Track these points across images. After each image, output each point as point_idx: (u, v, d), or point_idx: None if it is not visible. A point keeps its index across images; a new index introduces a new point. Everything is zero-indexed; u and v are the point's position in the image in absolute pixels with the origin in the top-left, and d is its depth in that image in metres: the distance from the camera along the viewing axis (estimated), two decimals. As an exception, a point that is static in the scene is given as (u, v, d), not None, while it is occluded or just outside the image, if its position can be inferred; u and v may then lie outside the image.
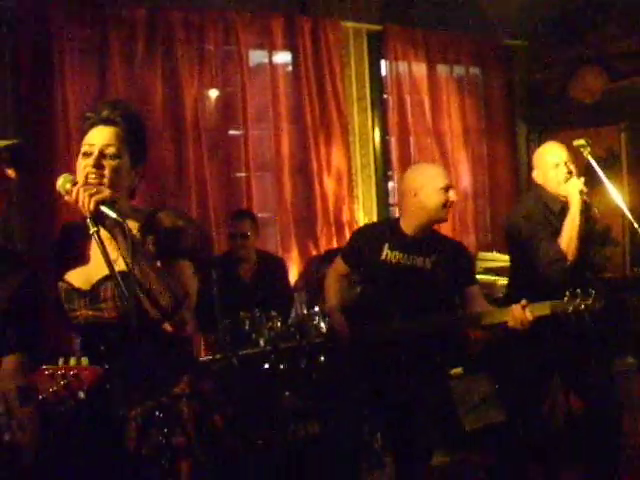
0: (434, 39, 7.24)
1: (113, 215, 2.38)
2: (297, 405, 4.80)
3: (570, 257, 4.11)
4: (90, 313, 2.58)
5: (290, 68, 6.49)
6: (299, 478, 4.55)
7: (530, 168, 4.54)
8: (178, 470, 2.56)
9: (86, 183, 2.49)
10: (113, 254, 2.42)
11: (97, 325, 2.58)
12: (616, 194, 4.18)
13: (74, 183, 2.47)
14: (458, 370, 5.65)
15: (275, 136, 6.32)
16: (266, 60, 6.34)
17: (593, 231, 4.32)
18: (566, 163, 4.25)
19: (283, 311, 5.46)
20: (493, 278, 6.36)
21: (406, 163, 6.97)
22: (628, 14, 6.86)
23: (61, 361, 2.30)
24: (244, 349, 4.95)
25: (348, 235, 6.33)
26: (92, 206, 2.39)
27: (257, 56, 6.38)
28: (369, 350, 3.96)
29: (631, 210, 4.21)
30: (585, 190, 4.12)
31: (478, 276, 6.11)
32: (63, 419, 2.44)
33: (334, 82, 6.54)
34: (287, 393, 4.87)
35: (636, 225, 4.10)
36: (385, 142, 7.06)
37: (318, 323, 5.18)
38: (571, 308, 3.78)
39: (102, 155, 2.55)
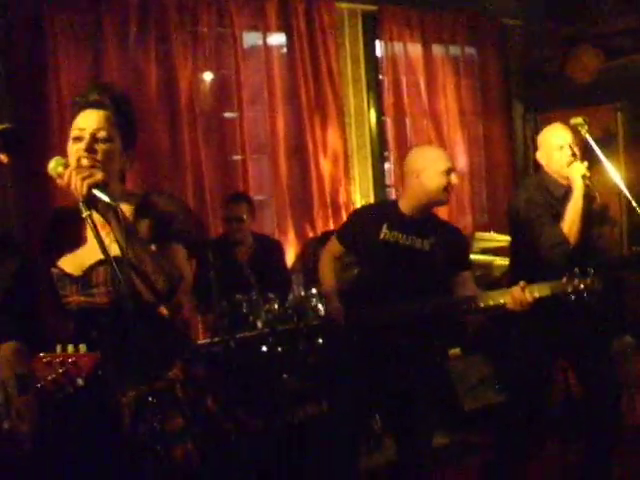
0: (429, 19, 7.20)
1: (106, 199, 2.37)
2: (296, 387, 4.79)
3: (572, 241, 4.10)
4: (82, 299, 2.57)
5: (285, 50, 6.45)
6: (298, 460, 4.55)
7: (526, 148, 4.53)
8: (173, 455, 2.55)
9: (78, 167, 2.46)
10: (106, 238, 2.40)
11: (89, 311, 2.56)
12: (614, 173, 4.16)
13: (66, 166, 2.44)
14: (456, 351, 5.67)
15: (270, 118, 6.29)
16: (260, 42, 6.30)
17: (592, 211, 4.30)
18: (570, 146, 4.23)
19: (280, 293, 5.45)
20: (490, 258, 6.37)
21: (402, 144, 6.97)
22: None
23: (59, 348, 2.29)
24: (242, 332, 4.94)
25: (345, 216, 6.32)
26: (85, 189, 2.37)
27: (251, 38, 6.34)
28: (366, 332, 3.95)
29: (628, 189, 4.19)
30: (588, 174, 4.11)
31: (475, 256, 6.15)
32: (62, 406, 2.43)
33: (329, 63, 6.51)
34: (285, 375, 4.87)
35: (634, 204, 4.09)
36: (381, 123, 7.04)
37: (316, 305, 5.18)
38: (570, 289, 3.78)
39: (94, 139, 2.53)
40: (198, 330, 5.63)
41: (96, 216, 2.39)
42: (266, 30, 6.27)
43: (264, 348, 4.89)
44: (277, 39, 6.46)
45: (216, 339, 4.97)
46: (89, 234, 2.43)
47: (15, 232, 4.86)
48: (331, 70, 6.52)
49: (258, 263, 5.62)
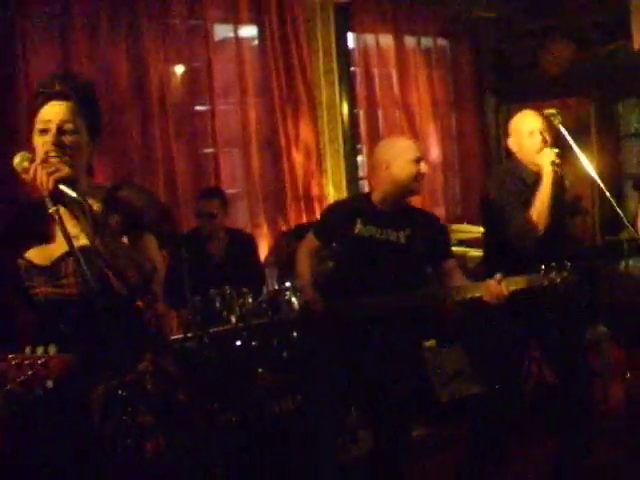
0: (401, 11, 7.18)
1: (73, 194, 2.32)
2: (271, 382, 4.76)
3: (541, 227, 4.10)
4: (50, 290, 2.52)
5: (256, 42, 6.41)
6: (274, 455, 4.52)
7: (499, 139, 4.53)
8: (144, 450, 2.52)
9: (46, 161, 2.40)
10: (74, 231, 2.36)
11: (58, 302, 2.52)
12: (586, 163, 4.17)
13: (31, 161, 2.39)
14: (432, 343, 5.66)
15: (242, 111, 6.25)
16: (232, 34, 6.25)
17: (564, 201, 4.31)
18: (541, 132, 4.23)
19: (254, 287, 5.41)
20: (464, 250, 6.37)
21: (375, 136, 6.95)
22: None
23: (28, 350, 2.24)
24: (215, 326, 4.91)
25: (317, 210, 6.30)
26: (51, 185, 2.32)
27: (223, 30, 6.29)
28: (343, 326, 3.93)
29: (601, 180, 4.20)
30: (557, 161, 4.11)
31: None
32: (31, 408, 2.39)
33: (301, 56, 6.48)
34: (260, 370, 4.84)
35: (608, 194, 4.09)
36: (353, 115, 7.00)
37: (290, 299, 5.15)
38: (547, 282, 3.79)
39: (60, 131, 2.47)
40: (172, 325, 5.60)
41: (64, 209, 2.35)
42: (237, 22, 6.22)
43: (238, 343, 4.86)
44: (249, 31, 6.42)
45: (189, 334, 4.93)
46: (58, 227, 2.38)
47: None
48: (303, 63, 6.49)
49: (231, 257, 5.59)
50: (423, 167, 3.95)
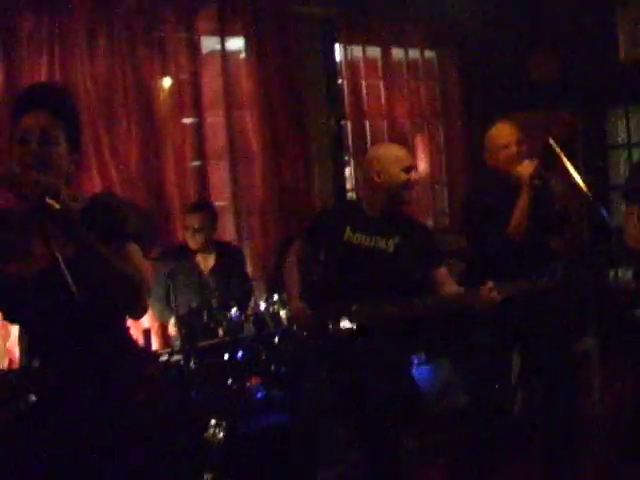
0: (388, 23, 7.17)
1: (57, 206, 2.29)
2: (259, 395, 4.73)
3: (518, 238, 4.12)
4: (36, 304, 2.47)
5: (243, 55, 6.40)
6: (260, 468, 4.49)
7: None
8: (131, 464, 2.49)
9: (26, 172, 2.36)
10: (57, 244, 2.32)
11: (43, 318, 2.47)
12: (576, 175, 4.16)
13: (13, 172, 2.34)
14: (420, 355, 5.64)
15: (229, 123, 6.23)
16: (219, 47, 6.23)
17: (548, 212, 4.30)
18: (517, 143, 4.23)
19: (242, 300, 5.41)
20: (451, 261, 6.35)
21: (362, 148, 6.93)
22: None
23: (5, 362, 2.21)
24: (202, 340, 4.88)
25: (305, 222, 6.26)
26: (35, 197, 2.28)
27: (210, 42, 6.29)
28: (329, 337, 3.90)
29: (589, 191, 4.20)
30: (535, 173, 4.10)
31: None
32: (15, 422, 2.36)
33: (288, 68, 6.47)
34: (248, 384, 4.81)
35: (598, 205, 4.09)
36: (340, 127, 7.00)
37: (277, 312, 5.14)
38: (536, 289, 3.78)
39: (41, 142, 2.44)
40: (158, 338, 5.58)
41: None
42: (225, 35, 6.21)
43: (226, 356, 4.84)
44: (236, 44, 6.41)
45: (176, 347, 4.91)
46: (38, 240, 2.35)
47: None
48: (290, 74, 6.48)
49: (219, 270, 5.57)
50: (414, 176, 3.95)
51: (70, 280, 2.25)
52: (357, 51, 7.04)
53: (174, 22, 5.86)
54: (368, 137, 7.12)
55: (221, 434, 4.42)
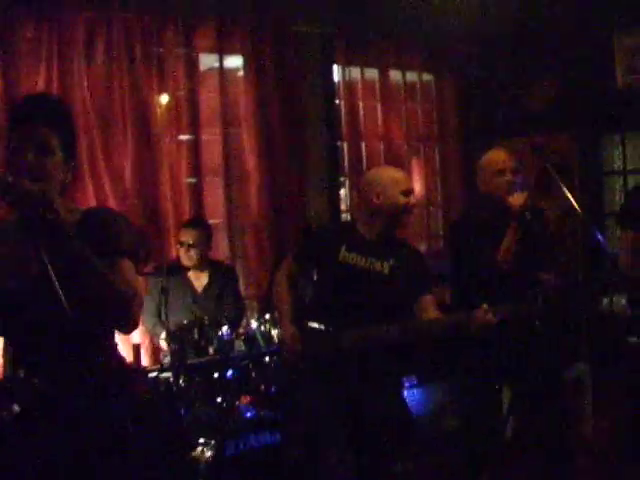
0: (386, 45, 7.19)
1: (50, 216, 2.26)
2: (248, 415, 4.69)
3: (505, 266, 4.12)
4: (24, 315, 2.44)
5: (241, 73, 6.39)
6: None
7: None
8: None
9: (19, 182, 2.33)
10: (48, 255, 2.29)
11: (31, 330, 2.44)
12: (572, 199, 4.15)
13: (7, 183, 2.31)
14: (412, 378, 5.62)
15: (225, 141, 6.22)
16: (217, 64, 6.23)
17: (543, 238, 4.29)
18: (512, 172, 4.22)
19: (234, 319, 5.38)
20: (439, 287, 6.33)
21: (358, 169, 6.92)
22: (582, 24, 6.88)
23: None
24: (193, 357, 4.85)
25: (299, 242, 6.24)
26: (28, 207, 2.25)
27: (208, 60, 6.29)
28: (322, 360, 3.87)
29: (584, 216, 4.20)
30: (525, 206, 4.09)
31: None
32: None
33: (286, 87, 6.46)
34: (237, 402, 4.77)
35: (595, 229, 4.08)
36: (337, 148, 6.99)
37: (269, 331, 5.11)
38: (531, 311, 3.77)
39: (37, 152, 2.42)
40: (148, 354, 5.55)
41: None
42: (224, 52, 6.21)
43: (216, 374, 4.80)
44: (234, 62, 6.41)
45: (166, 364, 4.88)
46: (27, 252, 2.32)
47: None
48: (288, 94, 6.48)
49: (212, 288, 5.55)
50: (413, 199, 3.92)
51: (60, 292, 2.22)
52: (355, 72, 7.04)
53: (173, 38, 5.86)
54: (364, 159, 7.11)
55: (209, 453, 4.38)
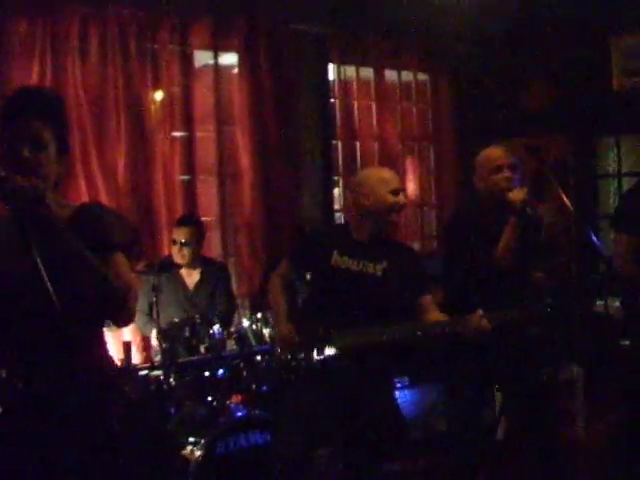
0: (382, 44, 7.17)
1: (46, 212, 2.24)
2: (239, 414, 4.67)
3: (504, 264, 4.09)
4: (11, 312, 2.41)
5: (236, 70, 6.37)
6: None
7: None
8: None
9: (12, 176, 2.30)
10: (39, 250, 2.26)
11: (17, 327, 2.41)
12: (567, 201, 4.14)
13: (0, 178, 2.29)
14: (404, 380, 5.61)
15: (219, 139, 6.21)
16: (212, 61, 6.22)
17: (535, 240, 4.28)
18: (511, 168, 4.20)
19: (225, 317, 5.35)
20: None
21: (352, 169, 6.91)
22: (578, 26, 6.87)
23: None
24: (184, 356, 4.82)
25: (292, 241, 6.22)
26: (20, 202, 2.23)
27: (203, 57, 6.27)
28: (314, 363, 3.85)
29: (579, 218, 4.20)
30: (526, 201, 4.07)
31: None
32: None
33: (280, 85, 6.44)
34: (228, 402, 4.75)
35: (589, 231, 4.07)
36: (331, 147, 6.97)
37: (260, 330, 5.08)
38: (527, 316, 3.75)
39: (30, 147, 2.39)
40: (139, 351, 5.52)
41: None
42: (219, 49, 6.18)
43: (206, 373, 4.77)
44: (229, 59, 6.39)
45: (157, 362, 4.85)
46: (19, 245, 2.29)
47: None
48: (283, 92, 6.45)
49: (204, 286, 5.53)
50: (402, 198, 3.90)
51: (50, 288, 2.19)
52: (350, 71, 7.03)
53: (167, 34, 5.84)
54: (358, 158, 7.09)
55: (199, 452, 4.35)
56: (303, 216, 6.62)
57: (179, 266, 5.47)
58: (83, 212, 2.52)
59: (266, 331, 5.08)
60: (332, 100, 6.97)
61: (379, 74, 7.21)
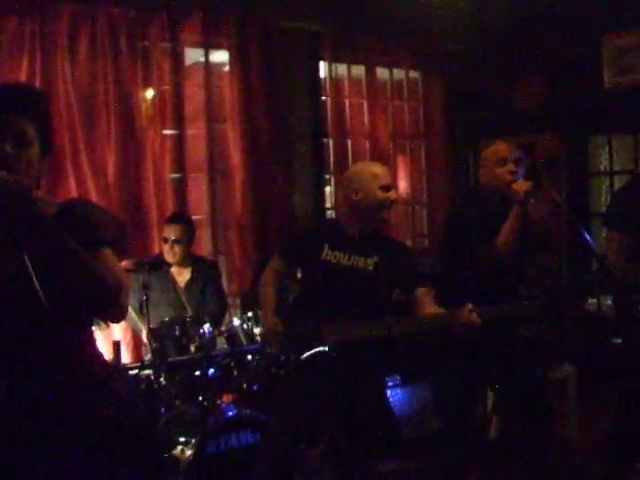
0: (374, 42, 7.15)
1: (32, 207, 2.20)
2: (229, 414, 4.64)
3: (505, 254, 4.15)
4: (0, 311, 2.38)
5: (227, 68, 6.34)
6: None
7: (468, 173, 4.52)
8: None
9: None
10: (26, 248, 2.23)
11: (4, 328, 2.38)
12: (559, 198, 4.17)
13: None
14: (396, 378, 5.60)
15: (210, 136, 6.18)
16: (203, 59, 6.19)
17: (532, 236, 4.29)
18: (514, 162, 4.25)
19: (216, 316, 5.34)
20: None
21: (343, 166, 6.88)
22: (570, 25, 6.86)
23: None
24: (174, 355, 4.80)
25: (283, 239, 6.20)
26: (7, 198, 2.19)
27: (194, 54, 6.24)
28: (305, 358, 3.83)
29: (569, 214, 4.21)
30: (530, 192, 4.10)
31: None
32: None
33: (271, 83, 6.41)
34: (219, 401, 4.72)
35: (582, 228, 4.07)
36: (322, 145, 6.94)
37: (251, 329, 5.06)
38: (517, 312, 3.75)
39: (14, 143, 2.36)
40: (130, 350, 5.50)
41: None
42: (209, 47, 6.16)
43: (197, 372, 4.75)
44: (220, 57, 6.36)
45: (146, 362, 4.83)
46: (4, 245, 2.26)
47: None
48: (274, 90, 6.43)
49: (194, 284, 5.50)
50: (392, 195, 3.89)
51: (38, 287, 2.17)
52: (342, 69, 7.00)
53: (158, 32, 5.81)
54: (349, 156, 7.07)
55: (189, 452, 4.33)
56: (294, 214, 6.60)
57: (170, 264, 5.45)
58: (67, 208, 2.49)
59: (257, 330, 5.05)
60: (323, 98, 6.95)
61: (371, 72, 7.19)
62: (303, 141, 6.77)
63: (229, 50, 6.27)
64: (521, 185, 4.16)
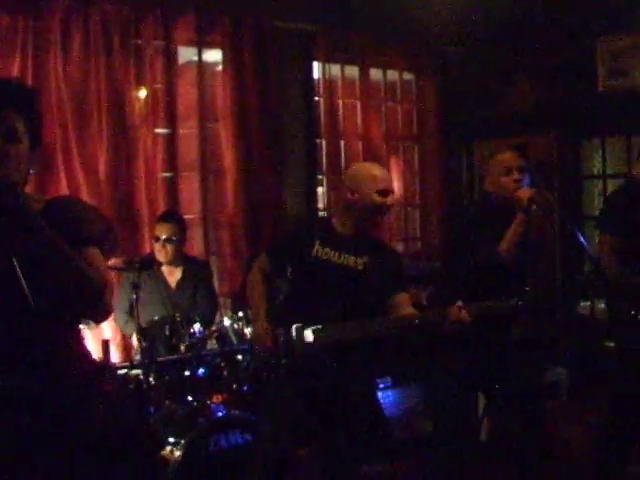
0: (368, 43, 7.13)
1: (19, 202, 2.17)
2: (219, 414, 4.62)
3: (508, 257, 4.17)
4: None
5: (220, 67, 6.32)
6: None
7: (461, 175, 4.54)
8: None
9: None
10: (12, 243, 2.20)
11: None
12: (552, 201, 4.18)
13: None
14: (386, 380, 5.59)
15: (202, 136, 6.15)
16: (196, 57, 6.16)
17: (529, 239, 4.31)
18: (519, 170, 4.27)
19: (207, 316, 5.31)
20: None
21: (336, 167, 6.88)
22: (564, 28, 6.86)
23: None
24: (164, 354, 4.77)
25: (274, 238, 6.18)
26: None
27: (187, 53, 6.22)
28: (295, 358, 3.81)
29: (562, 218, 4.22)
30: (533, 199, 4.12)
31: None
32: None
33: (265, 83, 6.39)
34: (209, 402, 4.70)
35: (576, 231, 4.07)
36: (315, 145, 6.92)
37: (242, 329, 5.03)
38: (507, 309, 3.74)
39: (5, 140, 2.33)
40: (119, 350, 5.47)
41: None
42: (203, 46, 6.13)
43: (187, 372, 4.72)
44: (213, 56, 6.34)
45: (136, 361, 4.80)
46: None
47: None
48: (267, 90, 6.40)
49: (186, 284, 5.48)
50: (389, 200, 3.86)
51: (25, 285, 2.14)
52: (335, 70, 6.98)
53: (151, 30, 5.78)
54: (342, 157, 7.05)
55: (178, 453, 4.31)
56: (286, 214, 6.57)
57: (160, 264, 5.42)
58: (54, 205, 2.47)
59: (247, 330, 5.03)
60: (317, 98, 6.93)
61: (364, 73, 7.17)
62: (296, 141, 6.74)
63: (222, 49, 6.25)
64: (525, 192, 4.19)
